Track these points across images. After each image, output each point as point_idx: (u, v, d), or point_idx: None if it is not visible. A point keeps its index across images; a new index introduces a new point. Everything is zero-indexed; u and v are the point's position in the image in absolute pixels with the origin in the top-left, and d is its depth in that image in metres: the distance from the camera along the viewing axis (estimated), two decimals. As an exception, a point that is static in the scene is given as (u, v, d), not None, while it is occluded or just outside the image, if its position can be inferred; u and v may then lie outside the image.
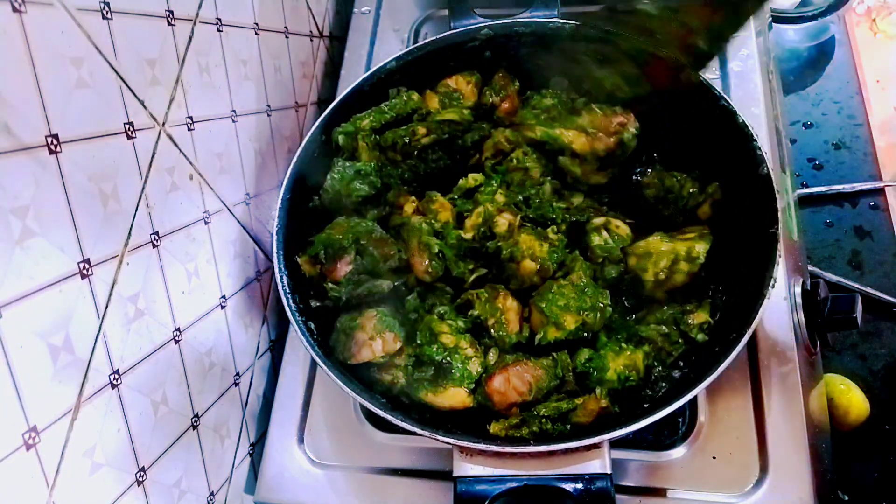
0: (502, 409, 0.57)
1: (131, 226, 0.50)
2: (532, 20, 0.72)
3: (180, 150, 0.56)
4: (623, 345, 0.59)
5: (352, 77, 0.84)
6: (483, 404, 0.58)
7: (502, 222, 0.64)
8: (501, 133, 0.70)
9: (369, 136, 0.69)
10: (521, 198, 0.67)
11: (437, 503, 0.62)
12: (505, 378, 0.57)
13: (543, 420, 0.55)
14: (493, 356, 0.60)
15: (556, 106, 0.71)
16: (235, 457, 0.67)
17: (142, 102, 0.51)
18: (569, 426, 0.55)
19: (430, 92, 0.73)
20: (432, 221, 0.65)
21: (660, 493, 0.59)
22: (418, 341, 0.59)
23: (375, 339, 0.58)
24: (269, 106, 0.73)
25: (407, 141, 0.69)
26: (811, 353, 0.66)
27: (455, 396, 0.57)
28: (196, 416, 0.59)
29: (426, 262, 0.63)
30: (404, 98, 0.71)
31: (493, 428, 0.55)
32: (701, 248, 0.60)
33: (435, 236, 0.64)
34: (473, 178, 0.68)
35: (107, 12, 0.47)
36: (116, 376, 0.48)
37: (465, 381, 0.58)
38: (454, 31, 0.73)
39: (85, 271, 0.44)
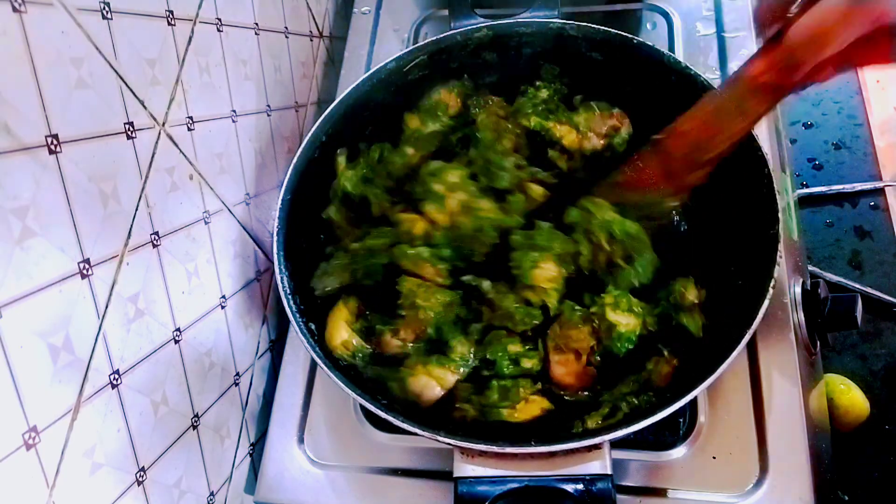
0: (577, 391, 0.58)
1: (131, 226, 0.50)
2: (533, 20, 0.71)
3: (180, 150, 0.56)
4: None
5: (352, 77, 0.84)
6: (558, 397, 0.58)
7: (454, 203, 0.63)
8: (492, 107, 0.71)
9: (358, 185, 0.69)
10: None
11: None
12: (558, 361, 0.58)
13: (630, 397, 0.55)
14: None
15: (552, 98, 0.71)
16: (235, 457, 0.67)
17: (142, 102, 0.51)
18: (652, 394, 0.55)
19: (408, 114, 0.73)
20: (412, 240, 0.63)
21: (660, 493, 0.59)
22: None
23: (431, 380, 0.57)
24: (269, 106, 0.73)
25: (398, 164, 0.69)
26: (811, 353, 0.65)
27: (533, 406, 0.57)
28: (196, 416, 0.59)
29: (433, 270, 0.61)
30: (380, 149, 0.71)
31: (590, 423, 0.55)
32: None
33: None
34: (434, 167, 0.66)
35: (107, 12, 0.46)
36: (116, 376, 0.48)
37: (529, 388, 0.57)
38: (454, 30, 0.73)
39: (85, 271, 0.44)
